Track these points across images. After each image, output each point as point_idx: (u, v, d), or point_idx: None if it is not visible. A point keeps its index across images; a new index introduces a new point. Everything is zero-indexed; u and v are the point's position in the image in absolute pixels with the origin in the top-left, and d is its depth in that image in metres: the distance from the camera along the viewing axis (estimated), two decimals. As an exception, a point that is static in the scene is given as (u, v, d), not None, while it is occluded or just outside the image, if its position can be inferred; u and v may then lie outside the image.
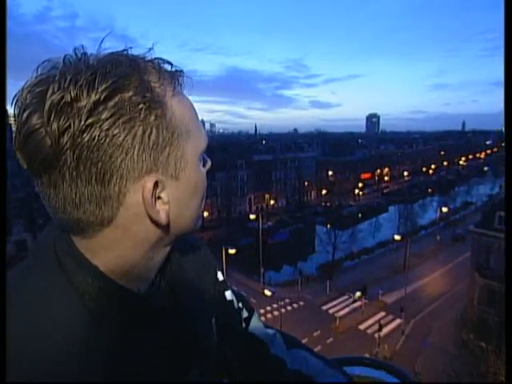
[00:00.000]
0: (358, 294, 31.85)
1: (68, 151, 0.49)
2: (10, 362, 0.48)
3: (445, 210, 53.56)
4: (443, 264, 40.35)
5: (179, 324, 0.66)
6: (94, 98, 0.48)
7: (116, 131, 0.50)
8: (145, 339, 0.60)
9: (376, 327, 28.37)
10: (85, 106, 0.48)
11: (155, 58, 0.58)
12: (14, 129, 0.51)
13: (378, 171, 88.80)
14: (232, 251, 32.52)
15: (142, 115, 0.52)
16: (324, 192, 72.87)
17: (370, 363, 1.38)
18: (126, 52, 0.56)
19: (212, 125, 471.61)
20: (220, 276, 0.89)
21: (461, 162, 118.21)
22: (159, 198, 0.56)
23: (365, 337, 28.03)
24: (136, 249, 0.58)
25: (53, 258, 0.56)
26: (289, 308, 32.17)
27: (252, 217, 52.68)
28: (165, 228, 0.58)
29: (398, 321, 30.06)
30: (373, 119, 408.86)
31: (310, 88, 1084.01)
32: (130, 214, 0.54)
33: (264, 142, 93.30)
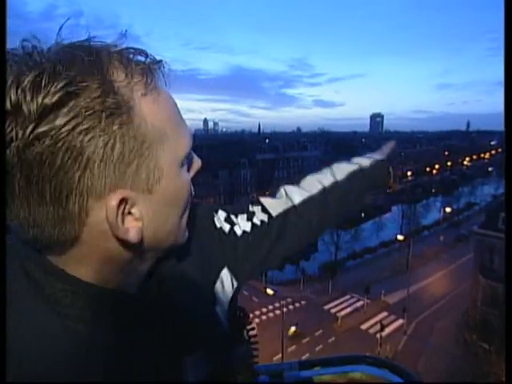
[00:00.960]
0: (292, 329, 28.67)
1: (15, 167, 0.42)
2: (10, 362, 0.46)
3: (448, 210, 53.34)
4: (446, 265, 40.20)
5: (171, 322, 0.62)
6: (39, 104, 0.41)
7: (72, 143, 0.43)
8: (135, 340, 0.57)
9: (378, 327, 28.31)
10: (30, 114, 0.41)
11: (125, 48, 0.50)
12: None
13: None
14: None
15: (103, 123, 0.44)
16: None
17: (373, 362, 1.40)
18: (87, 43, 0.49)
19: (215, 123, 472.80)
20: (221, 215, 0.83)
21: (465, 163, 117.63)
22: (130, 213, 0.50)
23: (367, 337, 27.98)
24: (109, 265, 0.54)
25: (20, 271, 0.52)
26: (291, 307, 32.13)
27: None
28: (139, 245, 0.53)
29: (400, 321, 29.98)
30: (377, 119, 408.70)
31: (313, 87, 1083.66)
32: (96, 233, 0.49)
33: (267, 140, 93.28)
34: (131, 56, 0.50)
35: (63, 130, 0.42)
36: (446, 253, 44.14)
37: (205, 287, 0.72)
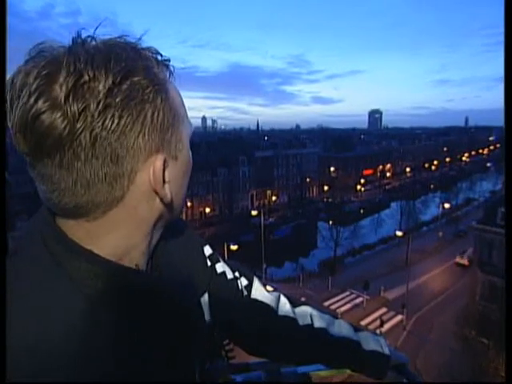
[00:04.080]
0: None
1: (84, 131, 0.49)
2: (10, 361, 0.47)
3: (447, 206, 53.44)
4: (445, 260, 40.31)
5: (168, 306, 0.65)
6: (110, 80, 0.49)
7: (129, 112, 0.51)
8: (147, 319, 0.60)
9: (378, 323, 28.39)
10: (101, 88, 0.49)
11: (147, 47, 0.59)
12: (11, 112, 0.50)
13: (381, 167, 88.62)
14: (234, 247, 32.65)
15: (151, 98, 0.54)
16: (326, 188, 72.75)
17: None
18: (121, 39, 0.57)
19: (214, 121, 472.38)
20: (208, 250, 0.89)
21: (463, 158, 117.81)
22: (164, 176, 0.58)
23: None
24: (138, 229, 0.60)
25: (41, 248, 0.55)
26: (291, 304, 32.12)
27: (254, 213, 52.67)
28: (167, 206, 0.60)
29: (399, 317, 30.07)
30: (375, 115, 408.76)
31: (312, 84, 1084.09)
32: (139, 193, 0.56)
33: (266, 138, 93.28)
34: (154, 52, 0.59)
35: (124, 102, 0.51)
36: (445, 248, 44.23)
37: (194, 295, 0.79)
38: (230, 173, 60.40)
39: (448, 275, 37.06)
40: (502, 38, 1.01)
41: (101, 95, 0.49)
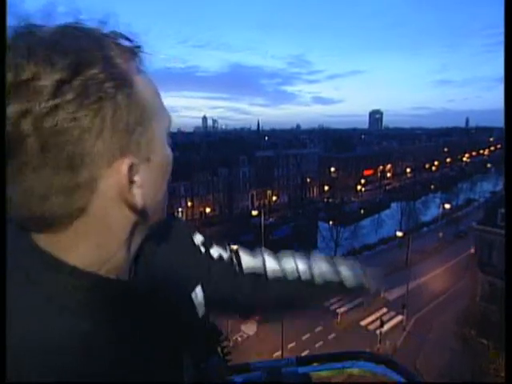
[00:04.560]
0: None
1: (31, 137, 0.43)
2: (10, 362, 0.45)
3: (447, 206, 53.42)
4: (445, 261, 40.28)
5: (162, 307, 0.63)
6: (57, 76, 0.44)
7: (83, 113, 0.45)
8: (132, 327, 0.57)
9: (378, 323, 28.38)
10: (46, 86, 0.43)
11: (112, 32, 0.54)
12: None
13: (381, 168, 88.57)
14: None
15: (111, 94, 0.48)
16: (326, 188, 72.80)
17: (371, 358, 1.40)
18: (79, 24, 0.51)
19: (214, 121, 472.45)
20: (199, 238, 0.87)
21: (464, 159, 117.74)
22: (132, 182, 0.53)
23: (366, 333, 28.05)
24: (112, 238, 0.55)
25: (12, 264, 0.51)
26: (291, 304, 32.14)
27: (254, 213, 52.61)
28: (141, 212, 0.55)
29: (399, 317, 30.06)
30: (376, 115, 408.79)
31: (312, 84, 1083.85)
32: (104, 201, 0.51)
33: (266, 138, 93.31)
34: (119, 38, 0.53)
35: (76, 101, 0.44)
36: (445, 249, 44.21)
37: (185, 293, 0.75)
38: (231, 173, 60.41)
39: (448, 276, 37.04)
40: (502, 38, 1.02)
41: (47, 94, 0.43)
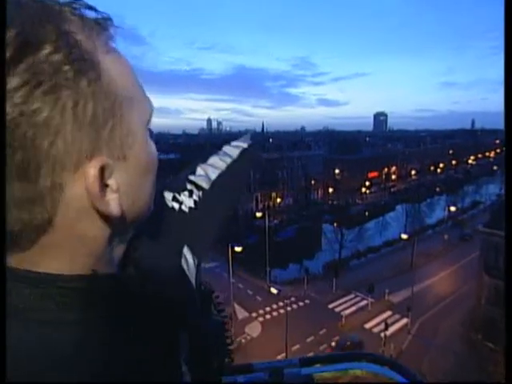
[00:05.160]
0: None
1: None
2: (10, 362, 0.39)
3: (453, 209, 53.22)
4: (451, 263, 40.12)
5: (155, 304, 0.55)
6: None
7: (35, 105, 0.36)
8: (124, 323, 0.50)
9: (382, 326, 28.29)
10: None
11: (73, 1, 0.43)
12: None
13: (386, 170, 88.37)
14: (238, 249, 32.61)
15: (71, 80, 0.38)
16: (331, 190, 72.74)
17: (374, 359, 1.39)
18: None
19: (219, 123, 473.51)
20: (168, 196, 0.84)
21: (470, 161, 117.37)
22: (106, 185, 0.44)
23: (371, 336, 27.96)
24: (88, 251, 0.47)
25: None
26: (295, 306, 32.17)
27: (258, 215, 52.70)
28: (118, 220, 0.47)
29: (404, 320, 29.95)
30: (380, 117, 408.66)
31: (317, 86, 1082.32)
32: (72, 211, 0.42)
33: (271, 140, 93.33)
34: (81, 9, 0.43)
35: (23, 90, 0.35)
36: (450, 252, 44.03)
37: (175, 267, 0.70)
38: (235, 175, 60.48)
39: (453, 279, 36.87)
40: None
41: None
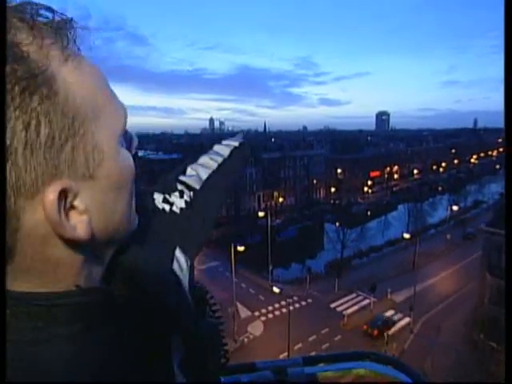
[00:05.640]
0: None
1: None
2: (10, 362, 0.38)
3: (455, 208, 53.13)
4: (453, 263, 40.06)
5: (146, 310, 0.53)
6: None
7: None
8: (109, 342, 0.47)
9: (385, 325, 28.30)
10: None
11: (25, 3, 0.39)
12: None
13: (388, 169, 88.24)
14: (241, 248, 32.63)
15: (18, 100, 0.35)
16: (333, 190, 72.74)
17: (377, 358, 1.39)
18: None
19: (221, 122, 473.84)
20: (158, 198, 0.83)
21: (472, 160, 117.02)
22: (73, 207, 0.41)
23: (373, 335, 27.96)
24: (62, 271, 0.44)
25: None
26: (297, 305, 32.19)
27: (261, 214, 52.69)
28: (91, 242, 0.44)
29: (406, 319, 29.93)
30: (383, 117, 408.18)
31: (319, 86, 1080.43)
32: (33, 239, 0.39)
33: (273, 139, 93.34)
34: (34, 12, 0.39)
35: None
36: (453, 251, 43.96)
37: (167, 270, 0.68)
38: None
39: (456, 278, 36.82)
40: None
41: None
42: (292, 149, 72.85)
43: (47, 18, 0.40)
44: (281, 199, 67.21)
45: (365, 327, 28.53)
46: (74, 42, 0.42)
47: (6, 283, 0.39)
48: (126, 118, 0.48)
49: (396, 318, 29.62)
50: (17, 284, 0.41)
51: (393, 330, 28.17)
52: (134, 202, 0.53)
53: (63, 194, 0.39)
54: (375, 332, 27.91)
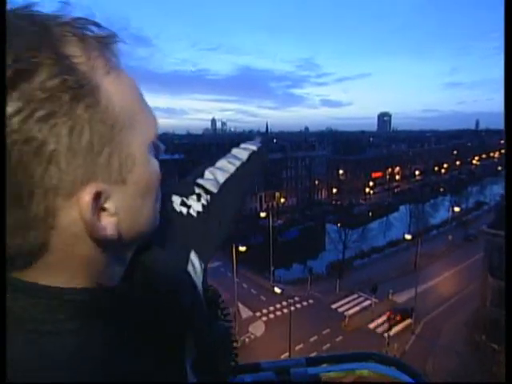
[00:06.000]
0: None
1: None
2: (10, 362, 0.39)
3: (457, 209, 53.05)
4: (455, 264, 39.99)
5: (161, 311, 0.54)
6: None
7: (30, 133, 0.36)
8: (125, 339, 0.49)
9: (386, 326, 28.27)
10: None
11: (76, 19, 0.43)
12: None
13: (390, 170, 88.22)
14: (242, 249, 32.66)
15: (66, 107, 0.38)
16: (335, 191, 72.72)
17: (381, 359, 1.40)
18: (26, 10, 0.40)
19: (223, 123, 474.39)
20: (176, 200, 0.84)
21: (474, 162, 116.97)
22: (104, 209, 0.44)
23: (374, 336, 27.94)
24: (87, 269, 0.46)
25: None
26: (298, 306, 32.18)
27: (262, 215, 52.72)
28: (117, 242, 0.47)
29: (408, 320, 29.90)
30: (384, 118, 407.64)
31: (321, 87, 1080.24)
32: (67, 236, 0.42)
33: (275, 140, 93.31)
34: (82, 26, 0.43)
35: (17, 118, 0.35)
36: (454, 252, 43.89)
37: (182, 272, 0.69)
38: (239, 174, 60.53)
39: (457, 279, 36.76)
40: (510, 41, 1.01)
41: None
42: (294, 150, 72.85)
43: (93, 32, 0.43)
44: (282, 200, 67.20)
45: (388, 314, 30.04)
46: (116, 55, 0.45)
47: (34, 277, 0.43)
48: (157, 127, 0.51)
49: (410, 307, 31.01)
50: (42, 278, 0.43)
51: (394, 331, 28.12)
52: (158, 206, 0.55)
53: (97, 196, 0.42)
54: (398, 317, 30.01)
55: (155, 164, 0.52)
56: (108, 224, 0.44)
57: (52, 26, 0.40)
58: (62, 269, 0.44)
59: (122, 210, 0.46)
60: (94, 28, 0.43)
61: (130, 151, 0.45)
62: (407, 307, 30.92)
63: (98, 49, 0.43)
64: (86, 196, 0.41)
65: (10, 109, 0.35)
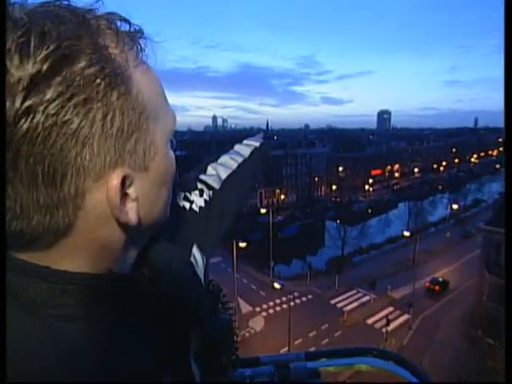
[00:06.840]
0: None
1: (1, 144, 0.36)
2: (10, 362, 0.40)
3: (455, 207, 53.08)
4: (452, 261, 40.07)
5: (168, 302, 0.57)
6: (31, 69, 0.36)
7: (67, 116, 0.38)
8: (134, 327, 0.52)
9: (384, 322, 28.33)
10: (19, 83, 0.35)
11: (111, 13, 0.45)
12: None
13: (389, 167, 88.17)
14: (242, 245, 32.64)
15: (101, 94, 0.40)
16: (334, 187, 72.67)
17: (379, 354, 1.41)
18: (66, 3, 0.43)
19: (224, 120, 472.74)
20: (181, 196, 0.85)
21: (472, 160, 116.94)
22: (126, 194, 0.46)
23: (372, 331, 28.00)
24: (103, 253, 0.48)
25: None
26: (297, 301, 32.24)
27: (263, 211, 52.70)
28: (136, 227, 0.48)
29: (405, 316, 29.98)
30: (384, 115, 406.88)
31: (321, 84, 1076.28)
32: (92, 217, 0.44)
33: (275, 137, 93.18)
34: (116, 21, 0.46)
35: (57, 101, 0.37)
36: (452, 249, 43.95)
37: (186, 265, 0.69)
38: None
39: (455, 276, 36.81)
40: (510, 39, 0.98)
41: (17, 93, 0.36)
42: (294, 147, 72.76)
43: (124, 27, 0.46)
44: (282, 196, 67.21)
45: (427, 284, 33.89)
46: (143, 50, 0.48)
47: (48, 261, 0.45)
48: (175, 122, 0.54)
49: (441, 279, 34.81)
50: (60, 262, 0.45)
51: (392, 326, 28.18)
52: (170, 198, 0.58)
53: (123, 181, 0.44)
54: (437, 288, 33.74)
55: (172, 156, 0.54)
56: (130, 209, 0.46)
57: (90, 18, 0.42)
58: (80, 253, 0.46)
59: (141, 197, 0.48)
60: (124, 23, 0.46)
61: (154, 140, 0.48)
62: (446, 279, 34.44)
63: (130, 43, 0.46)
64: (114, 180, 0.43)
65: (51, 92, 0.36)
